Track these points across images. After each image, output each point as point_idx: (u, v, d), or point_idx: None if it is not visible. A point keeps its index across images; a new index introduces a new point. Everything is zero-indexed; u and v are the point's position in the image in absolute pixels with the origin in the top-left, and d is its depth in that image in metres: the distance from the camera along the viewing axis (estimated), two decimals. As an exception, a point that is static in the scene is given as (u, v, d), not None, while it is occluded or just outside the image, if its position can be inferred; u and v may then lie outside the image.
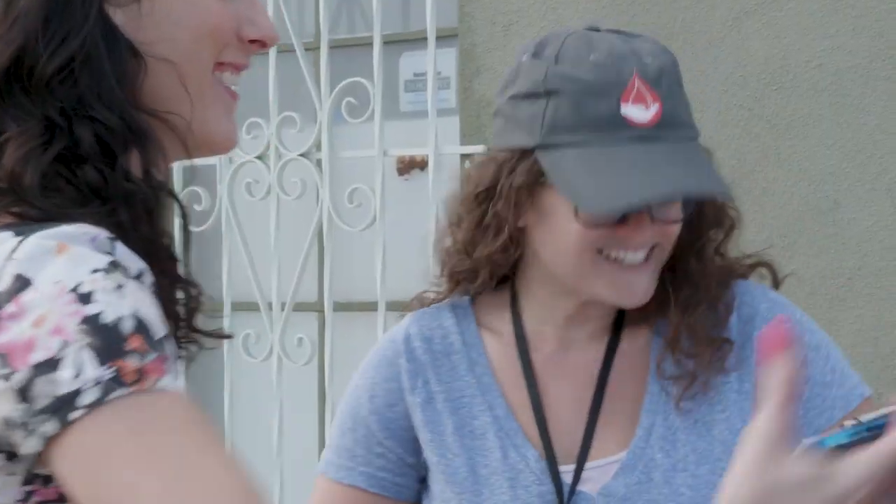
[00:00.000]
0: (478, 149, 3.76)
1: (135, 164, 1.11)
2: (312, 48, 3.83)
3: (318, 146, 3.54)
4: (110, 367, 0.98)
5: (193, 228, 3.58)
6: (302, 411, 4.22)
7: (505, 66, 4.06)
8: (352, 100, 3.42)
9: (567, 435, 1.61)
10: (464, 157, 3.80)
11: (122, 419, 0.97)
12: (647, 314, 1.62)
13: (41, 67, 1.09)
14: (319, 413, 4.11)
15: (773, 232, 3.26)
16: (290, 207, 3.65)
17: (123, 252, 1.04)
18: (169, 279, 1.10)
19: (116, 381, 0.98)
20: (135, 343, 0.99)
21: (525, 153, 1.55)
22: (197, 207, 3.66)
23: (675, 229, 1.56)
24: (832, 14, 3.31)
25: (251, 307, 3.71)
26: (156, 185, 1.11)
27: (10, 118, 1.09)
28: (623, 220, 1.53)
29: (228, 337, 1.20)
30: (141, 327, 1.00)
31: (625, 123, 1.52)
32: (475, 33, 3.79)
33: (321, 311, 3.72)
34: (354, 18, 4.35)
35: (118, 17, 1.11)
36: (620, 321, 1.64)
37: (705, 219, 1.62)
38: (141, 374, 0.98)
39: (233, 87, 1.18)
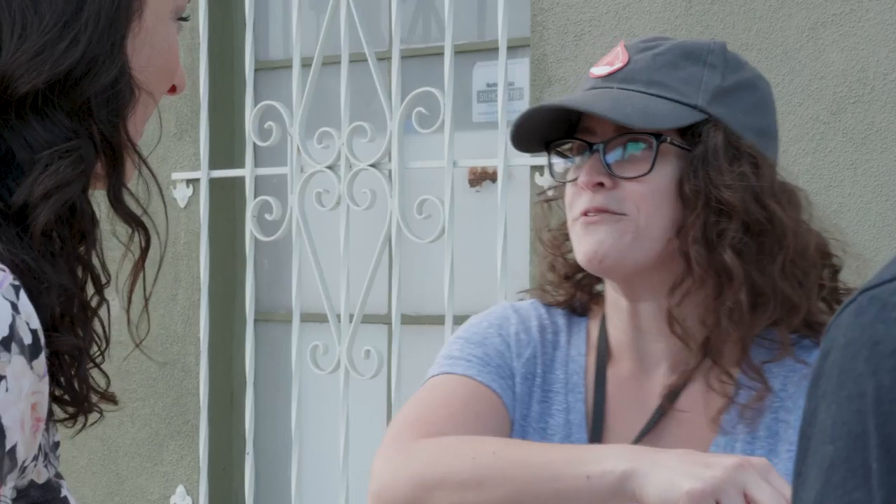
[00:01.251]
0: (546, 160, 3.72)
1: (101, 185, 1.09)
2: (385, 57, 3.82)
3: (388, 156, 3.53)
4: None
5: (263, 238, 3.62)
6: (369, 424, 4.20)
7: (576, 77, 4.02)
8: (423, 110, 3.40)
9: None
10: (534, 168, 3.77)
11: None
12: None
13: (83, 87, 1.07)
14: (386, 426, 4.08)
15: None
16: (359, 218, 3.64)
17: (25, 309, 0.99)
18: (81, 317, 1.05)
19: None
20: None
21: None
22: (268, 217, 3.66)
23: (637, 190, 1.52)
24: (912, 25, 3.25)
25: (320, 318, 3.70)
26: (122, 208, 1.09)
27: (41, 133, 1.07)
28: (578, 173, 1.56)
29: (114, 402, 1.13)
30: None
31: (588, 78, 1.59)
32: (547, 43, 3.76)
33: (389, 323, 3.71)
34: (428, 27, 4.33)
35: (127, 47, 1.10)
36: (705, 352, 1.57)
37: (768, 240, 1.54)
38: None
39: None
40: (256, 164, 3.79)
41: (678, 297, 1.54)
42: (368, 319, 3.62)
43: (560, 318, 1.67)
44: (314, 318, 3.96)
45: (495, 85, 3.74)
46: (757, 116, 1.59)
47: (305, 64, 3.63)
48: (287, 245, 3.80)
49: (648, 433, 1.56)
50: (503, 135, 3.37)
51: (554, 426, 1.61)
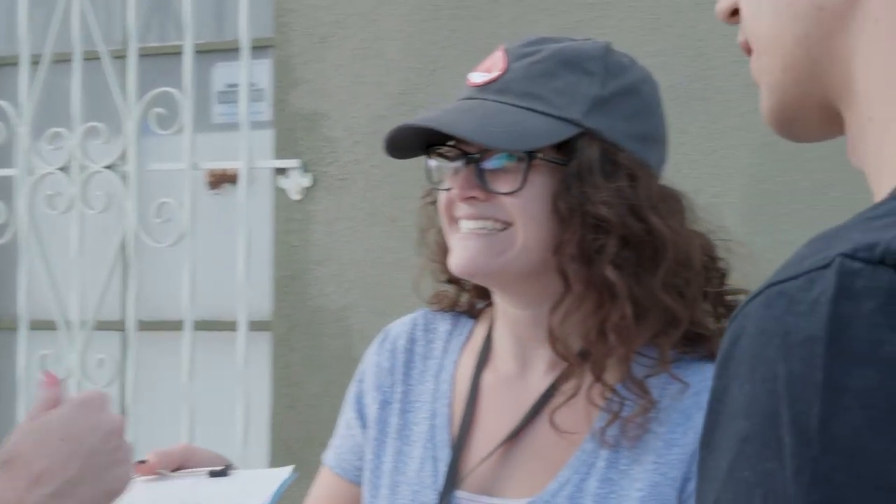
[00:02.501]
0: (292, 162, 3.66)
1: None
2: (120, 56, 3.68)
3: (124, 158, 3.41)
4: None
5: (-11, 242, 3.45)
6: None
7: (322, 79, 3.98)
8: (161, 110, 3.30)
9: (482, 464, 1.54)
10: (277, 171, 3.70)
11: None
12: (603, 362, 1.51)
13: None
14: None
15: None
16: (94, 222, 3.51)
17: None
18: None
19: None
20: None
21: None
22: (-6, 220, 3.49)
23: (511, 203, 1.49)
24: (653, 33, 3.31)
25: (50, 326, 3.54)
26: None
27: None
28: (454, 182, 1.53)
29: None
30: None
31: (466, 86, 1.54)
32: (292, 44, 3.69)
33: (124, 330, 3.59)
34: (166, 25, 4.21)
35: None
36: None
37: (658, 249, 1.50)
38: None
39: None
40: (-19, 164, 3.61)
41: (560, 315, 1.50)
42: (103, 326, 3.49)
43: (444, 324, 1.64)
44: (44, 325, 3.79)
45: (235, 85, 3.65)
46: (639, 122, 1.53)
47: (35, 61, 3.48)
48: (14, 250, 3.63)
49: (516, 436, 1.53)
50: (246, 136, 3.29)
51: (417, 433, 1.59)
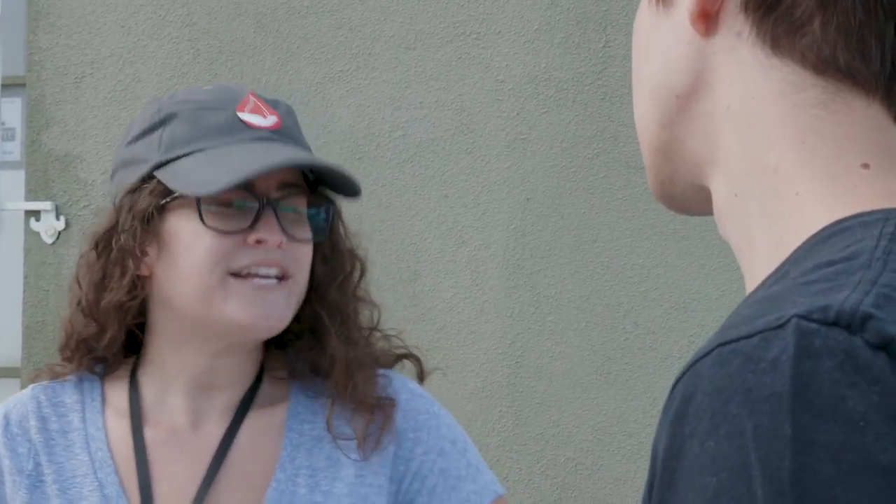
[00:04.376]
0: (44, 205, 3.54)
1: None
2: None
3: None
4: None
5: None
6: None
7: (76, 120, 3.86)
8: None
9: None
10: (28, 213, 3.57)
11: None
12: (280, 390, 1.56)
13: None
14: None
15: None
16: None
17: None
18: None
19: None
20: None
21: (145, 180, 1.51)
22: None
23: (307, 253, 1.52)
24: (416, 85, 3.32)
25: None
26: None
27: None
28: (253, 226, 1.50)
29: None
30: None
31: (246, 126, 1.52)
32: (45, 84, 3.58)
33: None
34: None
35: None
36: (251, 398, 1.56)
37: (340, 264, 1.59)
38: None
39: None
40: None
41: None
42: None
43: (67, 394, 1.58)
44: None
45: (-15, 124, 3.52)
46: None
47: None
48: None
49: (210, 486, 1.51)
50: (-5, 178, 3.17)
51: None
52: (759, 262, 0.81)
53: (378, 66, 3.35)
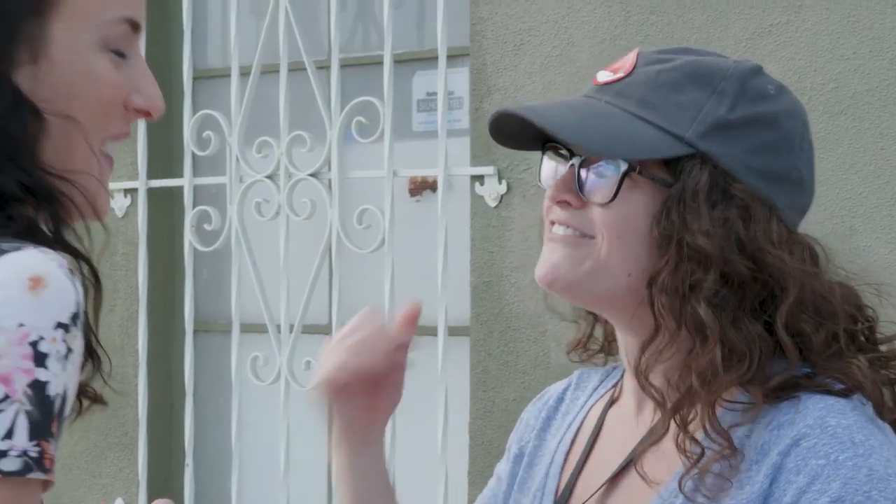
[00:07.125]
0: (488, 170, 3.72)
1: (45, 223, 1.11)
2: (324, 66, 3.80)
3: (327, 166, 3.51)
4: (37, 445, 1.00)
5: (202, 248, 3.59)
6: (309, 435, 4.18)
7: (515, 86, 4.02)
8: (362, 119, 3.39)
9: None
10: (474, 178, 3.77)
11: (21, 498, 1.00)
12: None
13: None
14: (327, 437, 4.06)
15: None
16: (299, 228, 3.62)
17: (79, 288, 1.04)
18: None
19: (38, 463, 1.01)
20: (55, 427, 1.02)
21: None
22: (207, 227, 3.64)
23: (594, 214, 1.38)
24: (849, 36, 3.27)
25: (260, 329, 3.67)
26: (64, 243, 1.11)
27: None
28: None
29: (103, 403, 1.21)
30: (62, 410, 1.02)
31: (590, 83, 1.45)
32: (486, 53, 3.75)
33: (329, 333, 3.69)
34: (368, 37, 4.32)
35: (18, 77, 1.12)
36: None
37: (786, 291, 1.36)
38: (52, 464, 1.02)
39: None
40: (195, 173, 3.76)
41: (649, 355, 1.38)
42: (308, 330, 3.60)
43: (594, 380, 1.57)
44: (254, 328, 3.93)
45: (435, 94, 3.73)
46: (768, 158, 1.38)
47: (244, 73, 3.61)
48: (226, 255, 3.77)
49: (615, 479, 1.45)
50: (443, 144, 3.37)
51: (532, 479, 1.55)
52: None
53: (808, 18, 3.32)
